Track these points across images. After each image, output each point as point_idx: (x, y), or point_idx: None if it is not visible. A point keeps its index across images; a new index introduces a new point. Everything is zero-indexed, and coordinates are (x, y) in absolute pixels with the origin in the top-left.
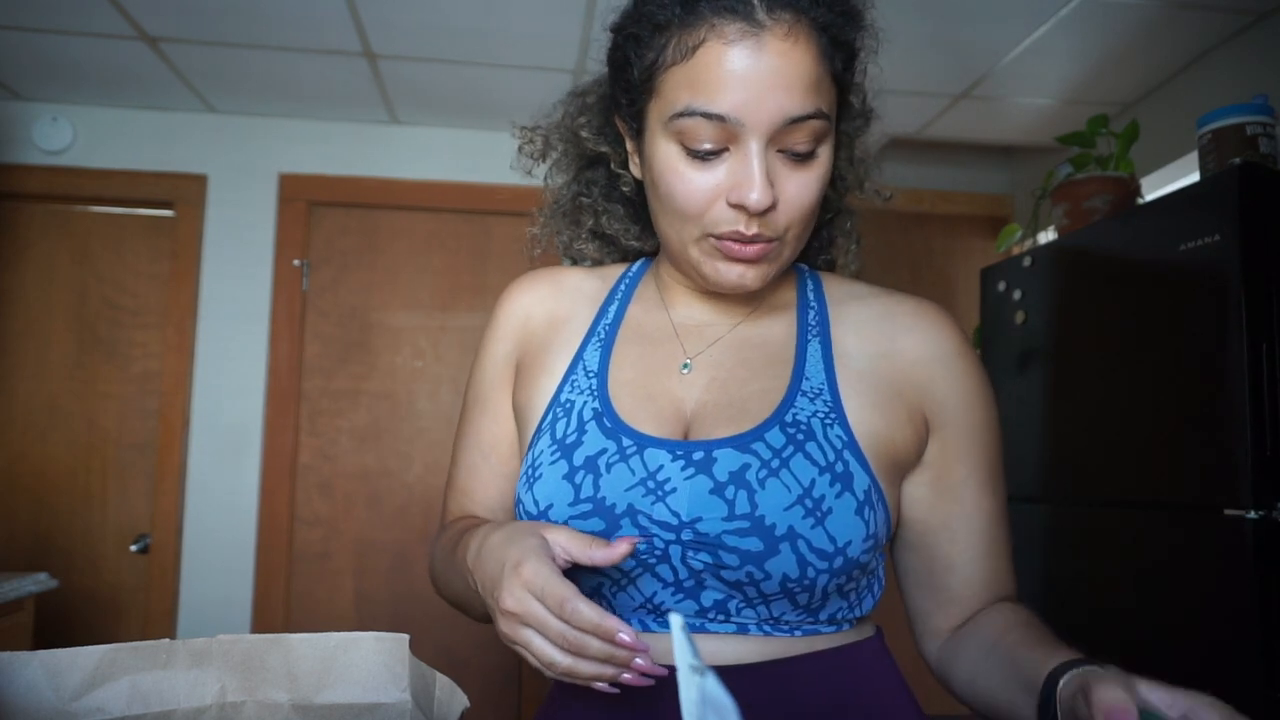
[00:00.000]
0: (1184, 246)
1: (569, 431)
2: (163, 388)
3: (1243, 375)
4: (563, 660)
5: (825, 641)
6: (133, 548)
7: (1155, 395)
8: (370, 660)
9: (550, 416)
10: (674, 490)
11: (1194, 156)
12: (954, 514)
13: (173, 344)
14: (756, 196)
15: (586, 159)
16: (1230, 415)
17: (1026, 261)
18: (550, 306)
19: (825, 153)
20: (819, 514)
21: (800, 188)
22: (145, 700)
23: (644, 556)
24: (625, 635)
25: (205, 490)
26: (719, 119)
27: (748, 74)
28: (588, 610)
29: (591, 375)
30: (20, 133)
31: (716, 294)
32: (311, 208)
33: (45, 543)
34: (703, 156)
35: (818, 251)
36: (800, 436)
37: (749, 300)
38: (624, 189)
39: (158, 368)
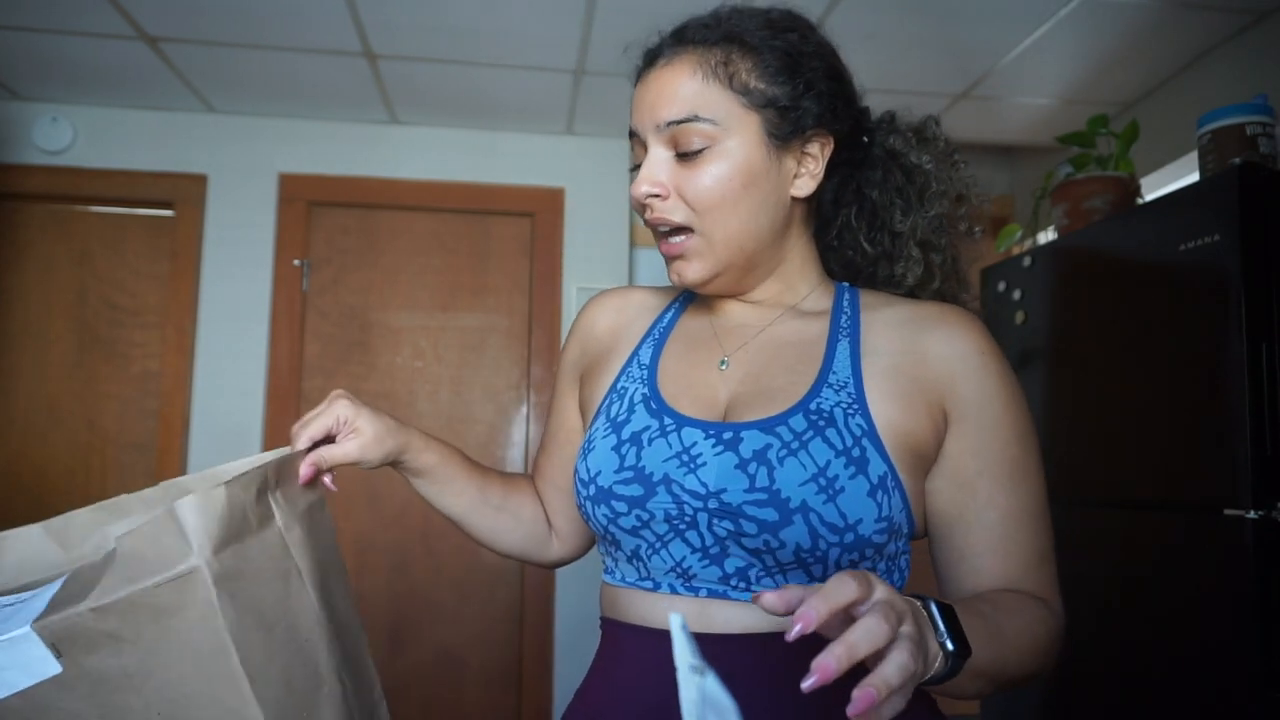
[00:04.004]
0: (1184, 246)
1: (620, 411)
2: (163, 388)
3: (1243, 375)
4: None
5: None
6: None
7: (1155, 395)
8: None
9: (607, 401)
10: (704, 464)
11: (1194, 156)
12: (968, 507)
13: (173, 344)
14: (635, 184)
15: None
16: (1230, 415)
17: (1026, 261)
18: (614, 319)
19: (723, 152)
20: (831, 491)
21: (692, 178)
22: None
23: (675, 521)
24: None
25: None
26: (634, 135)
27: (640, 96)
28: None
29: (644, 367)
30: (20, 133)
31: (748, 305)
32: (311, 208)
33: None
34: (636, 169)
35: (868, 279)
36: (821, 423)
37: (781, 305)
38: None
39: (158, 368)
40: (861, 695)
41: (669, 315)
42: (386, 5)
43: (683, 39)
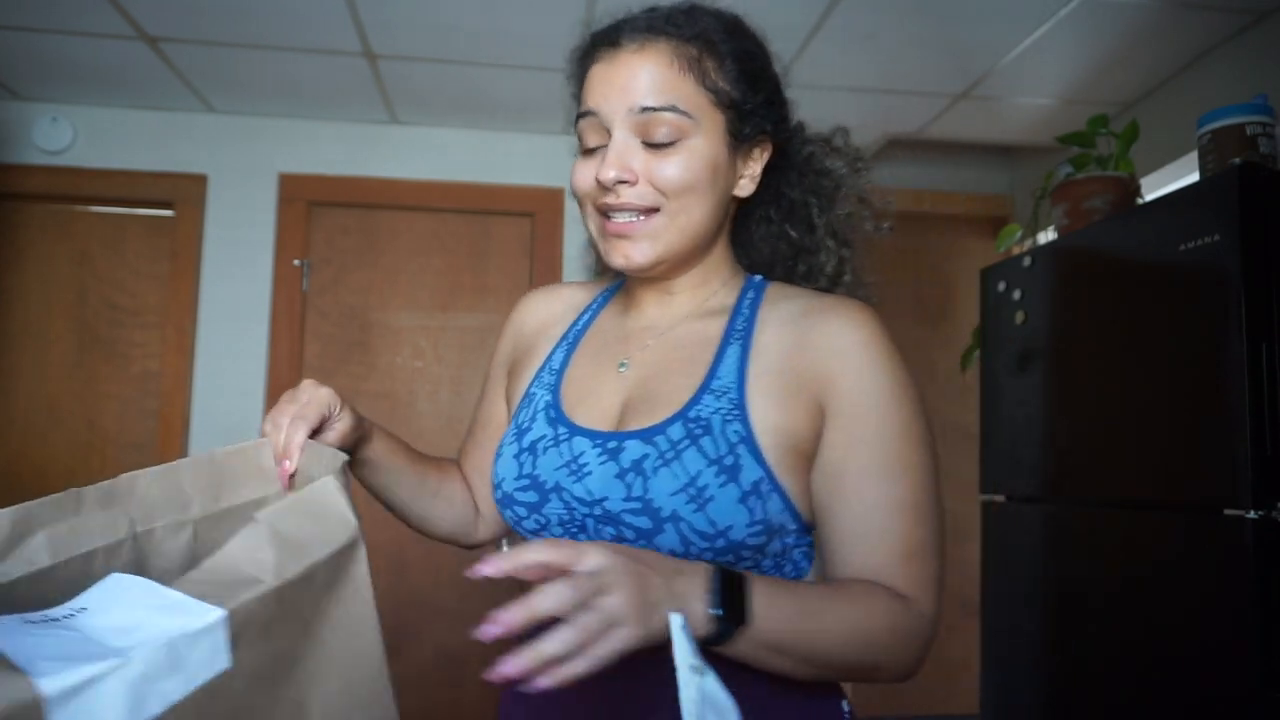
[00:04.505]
0: (1184, 246)
1: (526, 419)
2: (163, 388)
3: (1243, 375)
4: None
5: None
6: None
7: (1155, 395)
8: (250, 464)
9: (520, 405)
10: (590, 473)
11: (1194, 156)
12: (836, 498)
13: (173, 344)
14: (603, 169)
15: None
16: (1230, 415)
17: (1026, 261)
18: (542, 316)
19: (692, 146)
20: (701, 500)
21: (662, 166)
22: (66, 547)
23: (569, 525)
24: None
25: None
26: (591, 114)
27: (606, 77)
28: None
29: (554, 372)
30: (20, 133)
31: (666, 298)
32: (311, 208)
33: None
34: (588, 151)
35: (787, 272)
36: (699, 431)
37: (690, 303)
38: None
39: (158, 368)
40: (503, 662)
41: (586, 316)
42: (386, 5)
43: (654, 28)
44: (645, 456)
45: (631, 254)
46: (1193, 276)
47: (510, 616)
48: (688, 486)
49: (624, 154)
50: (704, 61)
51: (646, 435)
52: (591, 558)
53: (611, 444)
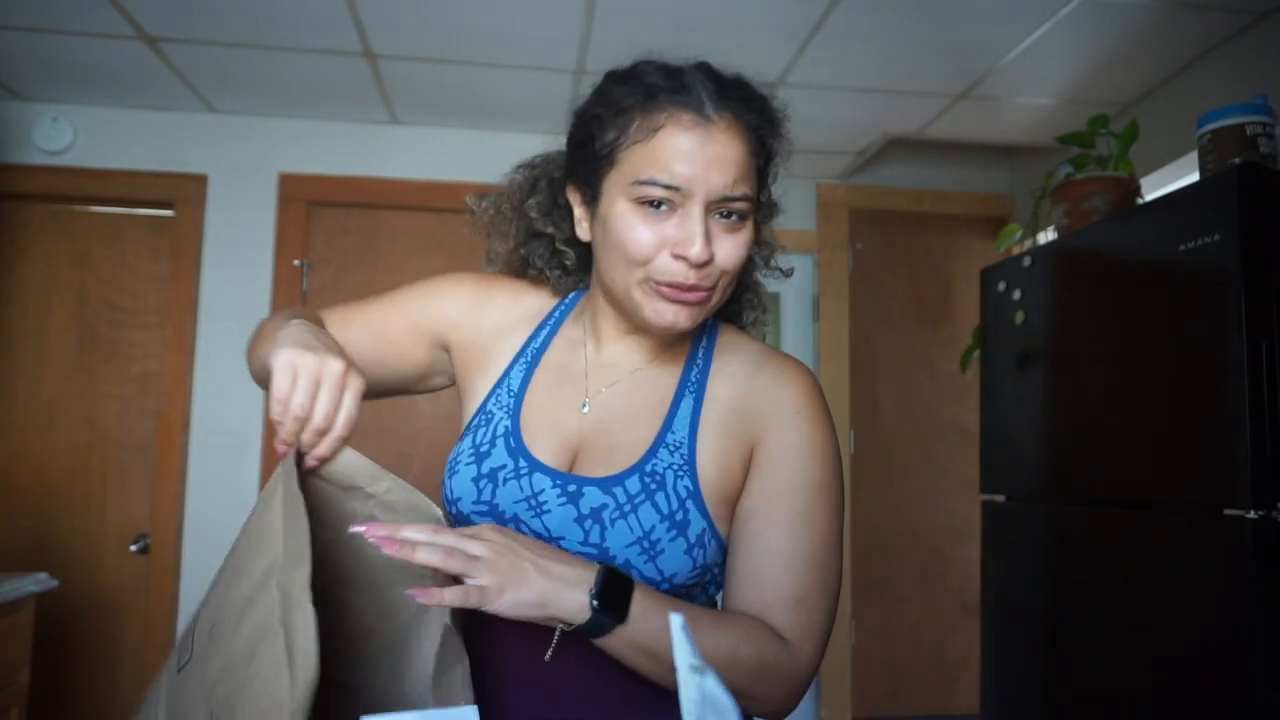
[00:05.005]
0: (1184, 246)
1: (484, 440)
2: (163, 388)
3: (1243, 375)
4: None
5: None
6: (133, 548)
7: (1155, 395)
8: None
9: (477, 420)
10: (549, 511)
11: (1194, 156)
12: (741, 537)
13: (173, 344)
14: (697, 251)
15: (532, 233)
16: (1230, 415)
17: (1026, 261)
18: (502, 317)
19: (749, 226)
20: (653, 552)
21: (730, 249)
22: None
23: None
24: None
25: (205, 490)
26: (674, 188)
27: (696, 153)
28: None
29: (512, 394)
30: (20, 133)
31: (631, 337)
32: (311, 208)
33: (45, 543)
34: (655, 216)
35: (730, 316)
36: (654, 486)
37: (654, 349)
38: (566, 262)
39: (157, 368)
40: (374, 529)
41: (544, 333)
42: (386, 5)
43: (727, 100)
44: (604, 506)
45: (681, 321)
46: (1193, 276)
47: (383, 532)
48: (641, 540)
49: (706, 240)
50: (764, 152)
51: (605, 485)
52: (480, 546)
53: (571, 487)
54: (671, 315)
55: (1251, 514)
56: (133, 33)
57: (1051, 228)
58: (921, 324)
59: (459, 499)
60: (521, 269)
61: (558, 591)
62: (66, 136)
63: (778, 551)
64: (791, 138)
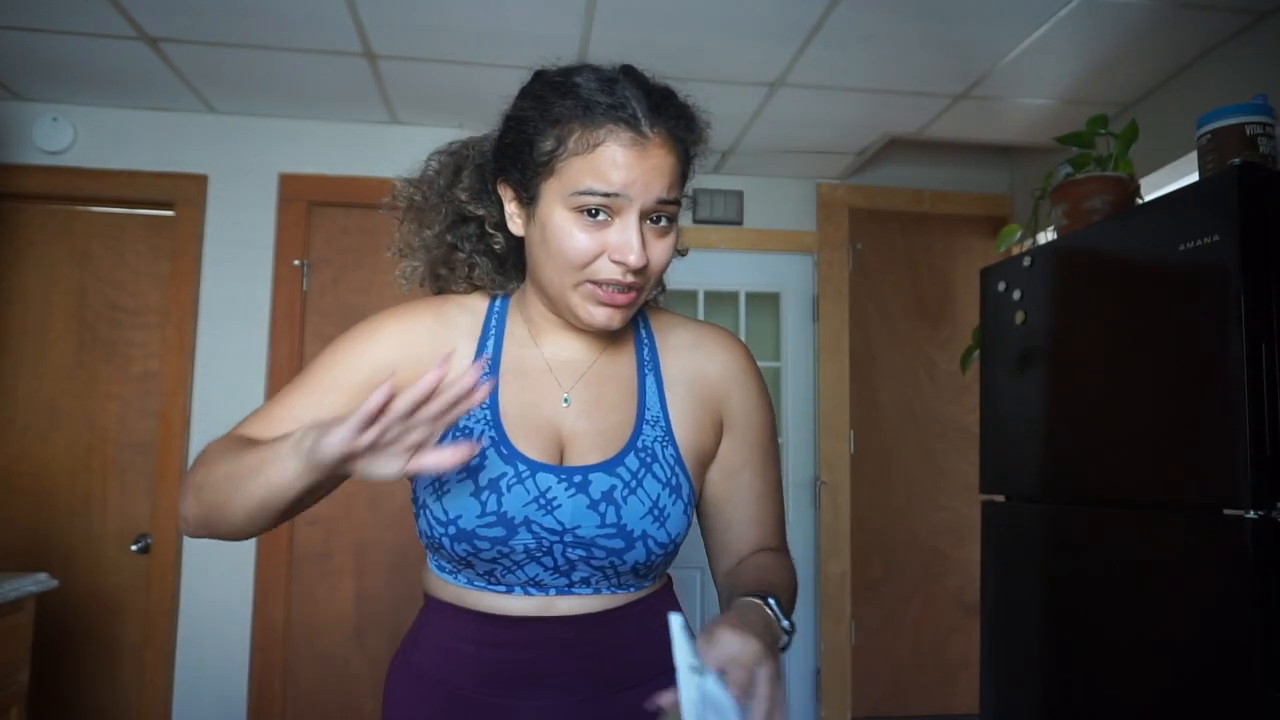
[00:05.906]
0: (1184, 246)
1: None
2: (163, 388)
3: (1242, 375)
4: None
5: (645, 591)
6: (133, 548)
7: (1155, 395)
8: None
9: (450, 438)
10: (560, 506)
11: (1194, 156)
12: (734, 491)
13: (173, 344)
14: (635, 257)
15: (460, 216)
16: (1230, 415)
17: (1026, 261)
18: (437, 337)
19: (675, 227)
20: (662, 519)
21: (661, 252)
22: None
23: (533, 550)
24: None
25: None
26: (613, 195)
27: (634, 166)
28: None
29: (486, 406)
30: (20, 133)
31: (580, 331)
32: (311, 208)
33: (45, 543)
34: (593, 224)
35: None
36: (649, 459)
37: (603, 338)
38: (495, 246)
39: (158, 368)
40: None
41: (490, 342)
42: (386, 5)
43: (661, 116)
44: (613, 487)
45: (614, 322)
46: (1193, 276)
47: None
48: (652, 509)
49: (640, 244)
50: (689, 159)
51: (608, 468)
52: (750, 651)
53: (577, 478)
54: (604, 317)
55: (1251, 514)
56: (133, 33)
57: (1051, 228)
58: (921, 324)
59: (458, 517)
60: (448, 255)
61: None
62: (66, 136)
63: (763, 494)
64: (790, 139)
